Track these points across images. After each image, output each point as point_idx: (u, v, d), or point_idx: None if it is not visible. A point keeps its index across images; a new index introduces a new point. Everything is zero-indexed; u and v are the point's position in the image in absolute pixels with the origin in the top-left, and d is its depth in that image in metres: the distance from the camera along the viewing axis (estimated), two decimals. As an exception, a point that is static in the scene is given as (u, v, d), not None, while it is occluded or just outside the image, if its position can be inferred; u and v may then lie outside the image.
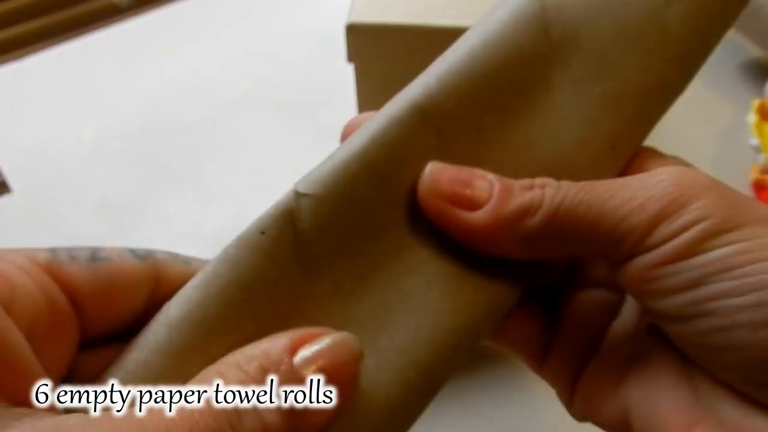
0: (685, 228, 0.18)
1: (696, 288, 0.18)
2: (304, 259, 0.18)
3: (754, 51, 0.65)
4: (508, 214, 0.19)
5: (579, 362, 0.22)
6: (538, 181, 0.19)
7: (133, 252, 0.18)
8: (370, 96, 0.48)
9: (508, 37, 0.20)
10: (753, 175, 0.55)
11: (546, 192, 0.19)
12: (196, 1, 0.77)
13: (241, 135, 0.63)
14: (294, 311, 0.18)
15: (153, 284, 0.18)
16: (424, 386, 0.19)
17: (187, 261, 0.19)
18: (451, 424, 0.44)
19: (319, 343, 0.17)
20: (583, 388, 0.22)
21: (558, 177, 0.20)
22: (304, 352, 0.16)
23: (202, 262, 0.19)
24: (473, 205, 0.19)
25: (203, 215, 0.57)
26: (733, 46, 0.66)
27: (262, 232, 0.18)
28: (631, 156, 0.21)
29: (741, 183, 0.55)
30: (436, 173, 0.19)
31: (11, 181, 0.60)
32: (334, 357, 0.16)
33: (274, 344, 0.16)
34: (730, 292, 0.17)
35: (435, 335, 0.19)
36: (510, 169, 0.20)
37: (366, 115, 0.20)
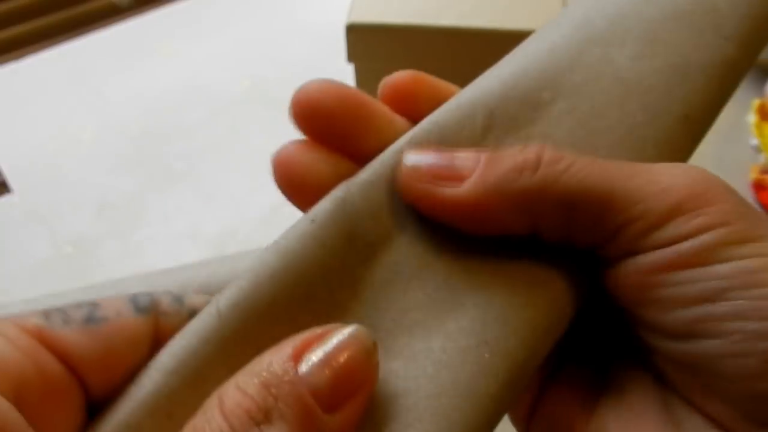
0: (704, 228, 0.16)
1: (711, 302, 0.15)
2: (359, 245, 0.18)
3: (754, 51, 0.65)
4: (497, 176, 0.17)
5: (535, 388, 0.20)
6: (533, 145, 0.17)
7: (134, 303, 0.16)
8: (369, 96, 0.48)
9: (554, 36, 0.20)
10: (753, 175, 0.55)
11: (545, 154, 0.17)
12: (196, 1, 0.77)
13: (240, 135, 0.63)
14: (352, 299, 0.17)
15: (154, 336, 0.16)
16: (502, 369, 0.16)
17: (192, 308, 0.17)
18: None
19: (326, 344, 0.15)
20: (543, 418, 0.19)
21: (631, 146, 0.19)
22: (311, 357, 0.15)
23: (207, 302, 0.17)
24: (458, 179, 0.17)
25: (203, 215, 0.57)
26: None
27: (312, 221, 0.17)
28: (705, 132, 0.20)
29: (741, 183, 0.55)
30: (414, 157, 0.18)
31: (11, 181, 0.60)
32: (345, 356, 0.15)
33: (276, 355, 0.15)
34: (751, 313, 0.15)
35: (507, 311, 0.17)
36: (580, 137, 0.19)
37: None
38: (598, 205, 0.16)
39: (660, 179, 0.16)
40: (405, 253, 0.18)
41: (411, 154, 0.18)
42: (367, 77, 0.48)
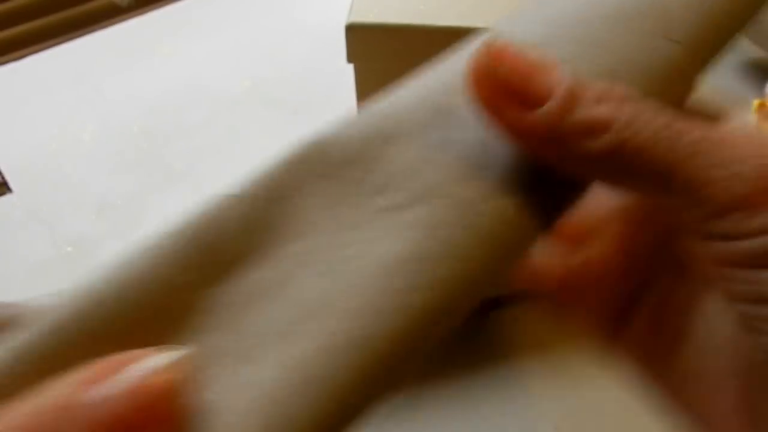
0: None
1: None
2: (209, 264, 0.16)
3: (754, 51, 0.65)
4: (567, 128, 0.15)
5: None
6: (617, 91, 0.16)
7: None
8: (370, 96, 0.48)
9: None
10: (753, 175, 0.55)
11: (624, 110, 0.15)
12: (196, 1, 0.77)
13: (240, 135, 0.63)
14: (189, 321, 0.16)
15: None
16: (325, 402, 0.15)
17: (11, 317, 0.15)
18: (448, 424, 0.44)
19: (127, 372, 0.13)
20: (648, 311, 0.18)
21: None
22: (108, 385, 0.13)
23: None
24: (532, 101, 0.16)
25: (203, 215, 0.57)
26: (733, 46, 0.66)
27: (166, 234, 0.16)
28: None
29: (741, 183, 0.55)
30: (497, 50, 0.16)
31: (11, 181, 0.60)
32: (146, 386, 0.13)
33: (67, 380, 0.13)
34: None
35: (349, 342, 0.15)
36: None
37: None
38: (659, 182, 0.15)
39: (730, 165, 0.15)
40: (258, 276, 0.16)
41: (491, 41, 0.16)
42: (367, 77, 0.48)
